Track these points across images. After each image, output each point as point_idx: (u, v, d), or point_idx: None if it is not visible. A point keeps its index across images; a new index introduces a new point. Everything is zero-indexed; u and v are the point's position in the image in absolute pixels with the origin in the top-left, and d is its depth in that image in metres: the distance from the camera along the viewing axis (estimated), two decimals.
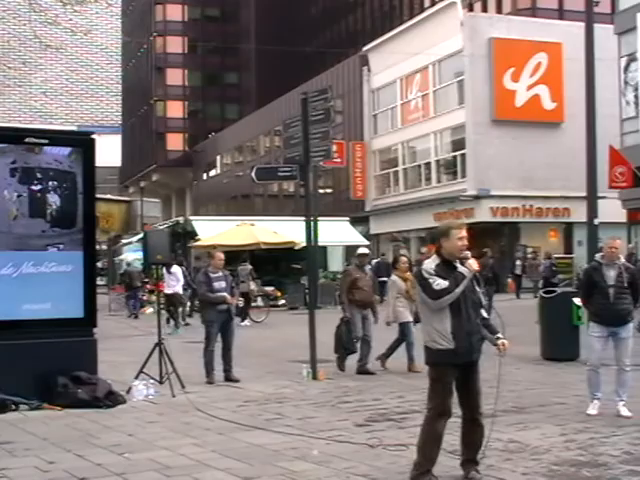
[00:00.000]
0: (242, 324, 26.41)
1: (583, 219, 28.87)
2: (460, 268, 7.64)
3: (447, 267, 7.64)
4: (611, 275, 10.82)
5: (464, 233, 7.73)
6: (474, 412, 7.84)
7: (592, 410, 10.81)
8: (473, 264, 7.65)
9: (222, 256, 14.82)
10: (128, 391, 12.53)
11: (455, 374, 7.66)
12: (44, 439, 9.76)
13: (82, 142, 12.97)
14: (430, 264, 7.69)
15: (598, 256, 11.19)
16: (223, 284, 14.47)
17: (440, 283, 7.48)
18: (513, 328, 11.43)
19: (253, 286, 29.75)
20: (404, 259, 16.24)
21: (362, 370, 15.08)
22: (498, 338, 7.80)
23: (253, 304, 30.39)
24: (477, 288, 7.80)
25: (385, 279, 41.86)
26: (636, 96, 35.75)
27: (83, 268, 12.54)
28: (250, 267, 29.70)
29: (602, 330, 10.94)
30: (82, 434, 10.06)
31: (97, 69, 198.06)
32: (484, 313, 7.86)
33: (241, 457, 8.73)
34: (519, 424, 10.21)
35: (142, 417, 11.12)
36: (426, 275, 7.61)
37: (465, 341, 7.57)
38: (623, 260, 11.10)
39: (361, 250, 16.48)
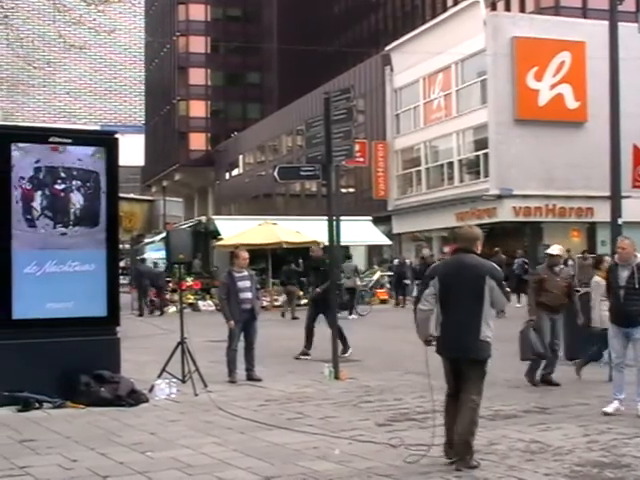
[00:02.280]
0: (350, 317, 28.62)
1: (606, 219, 28.75)
2: None
3: None
4: (623, 276, 10.78)
5: None
6: None
7: (608, 408, 10.78)
8: None
9: (246, 255, 14.77)
10: (150, 390, 12.57)
11: None
12: (67, 437, 9.80)
13: (105, 141, 13.01)
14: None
15: (615, 257, 11.16)
16: (247, 283, 14.45)
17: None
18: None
19: (359, 281, 31.87)
20: (608, 259, 14.52)
21: (546, 380, 13.53)
22: None
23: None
24: None
25: (408, 282, 42.14)
26: None
27: (106, 267, 12.59)
28: (355, 264, 32.52)
29: (617, 330, 10.94)
30: (104, 432, 10.10)
31: (120, 69, 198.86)
32: None
33: (262, 456, 8.74)
34: (541, 424, 10.18)
35: (164, 416, 11.15)
36: (503, 280, 8.41)
37: None
38: (639, 260, 10.99)
39: (552, 250, 14.71)
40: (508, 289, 8.51)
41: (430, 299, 8.43)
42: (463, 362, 8.40)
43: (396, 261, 38.97)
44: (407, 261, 38.91)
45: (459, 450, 8.16)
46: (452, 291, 8.31)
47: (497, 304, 8.44)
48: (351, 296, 29.93)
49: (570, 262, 39.54)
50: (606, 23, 28.21)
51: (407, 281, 36.52)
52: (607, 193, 27.78)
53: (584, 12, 58.05)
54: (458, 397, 8.38)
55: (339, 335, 15.94)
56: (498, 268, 8.48)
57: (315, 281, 19.04)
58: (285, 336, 22.46)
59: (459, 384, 8.42)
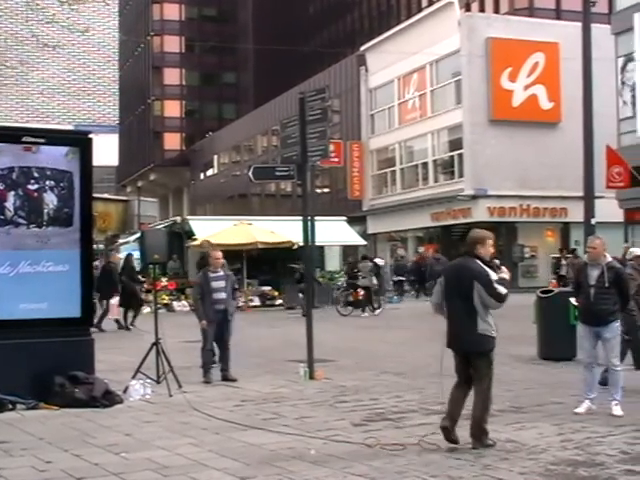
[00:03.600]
0: (363, 315, 30.41)
1: (580, 219, 28.90)
2: (502, 275, 9.09)
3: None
4: (593, 275, 10.85)
5: (492, 241, 9.23)
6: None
7: (580, 409, 10.85)
8: (508, 273, 9.30)
9: (218, 254, 14.76)
10: (125, 391, 12.52)
11: None
12: (41, 439, 9.75)
13: (79, 141, 12.95)
14: (493, 274, 8.95)
15: (585, 256, 11.22)
16: (222, 284, 14.42)
17: (502, 289, 8.88)
18: (511, 328, 11.48)
19: (375, 281, 32.50)
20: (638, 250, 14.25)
21: None
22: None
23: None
24: None
25: (403, 278, 42.35)
26: (633, 96, 35.77)
27: (80, 268, 12.53)
28: (371, 264, 33.18)
29: (587, 330, 11.01)
30: (79, 434, 10.05)
31: (94, 68, 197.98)
32: None
33: (238, 457, 8.72)
34: (516, 424, 10.22)
35: (139, 417, 11.12)
36: (493, 280, 8.89)
37: None
38: (610, 259, 11.06)
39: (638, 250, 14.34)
40: (504, 290, 8.75)
41: (437, 294, 9.42)
42: (468, 355, 9.13)
43: (380, 261, 39.03)
44: (381, 261, 39.01)
45: (474, 432, 8.96)
46: (451, 290, 9.17)
47: (487, 306, 8.98)
48: (368, 295, 31.24)
49: (563, 262, 40.05)
50: (579, 24, 28.37)
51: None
52: (581, 193, 27.94)
53: (558, 13, 58.34)
54: (463, 386, 9.16)
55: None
56: (485, 272, 8.93)
57: None
58: (261, 336, 22.44)
59: (469, 374, 9.16)
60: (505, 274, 9.15)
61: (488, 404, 9.10)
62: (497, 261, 9.19)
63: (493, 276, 8.93)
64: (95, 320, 24.99)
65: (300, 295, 31.93)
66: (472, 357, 9.11)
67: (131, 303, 26.19)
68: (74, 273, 12.47)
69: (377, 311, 31.02)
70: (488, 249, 9.11)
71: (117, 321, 25.82)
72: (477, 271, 8.96)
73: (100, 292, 24.99)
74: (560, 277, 40.84)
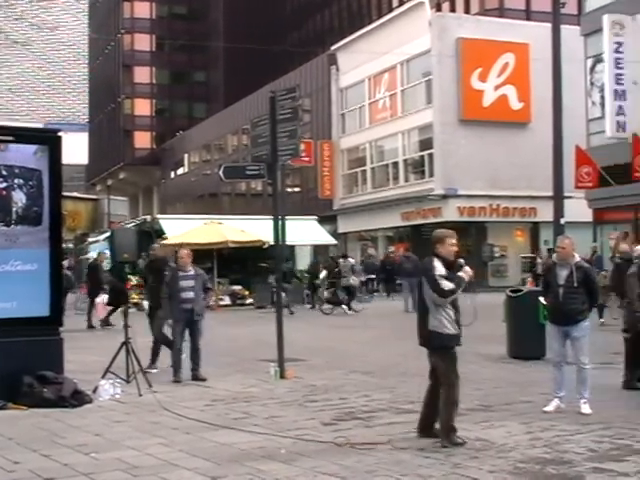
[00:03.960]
0: (349, 312, 30.82)
1: (550, 219, 29.07)
2: (460, 273, 9.19)
3: (446, 267, 9.19)
4: (562, 275, 10.92)
5: (455, 240, 9.39)
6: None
7: (549, 407, 10.91)
8: (469, 271, 9.29)
9: (184, 253, 14.69)
10: (95, 390, 12.46)
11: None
12: (9, 439, 9.69)
13: (48, 139, 12.88)
14: (441, 268, 9.12)
15: (554, 256, 11.28)
16: (191, 282, 14.38)
17: (446, 284, 9.02)
18: (481, 327, 11.50)
19: (355, 280, 33.30)
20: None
21: None
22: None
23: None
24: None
25: (373, 276, 42.57)
26: (602, 97, 35.98)
27: (49, 267, 12.46)
28: (351, 263, 34.22)
29: (556, 329, 11.09)
30: (48, 434, 10.00)
31: (64, 66, 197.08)
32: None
33: (209, 456, 8.71)
34: (485, 422, 10.27)
35: (109, 416, 11.07)
36: (437, 277, 9.06)
37: (460, 328, 9.28)
38: (578, 259, 11.13)
39: None
40: (450, 285, 8.85)
41: None
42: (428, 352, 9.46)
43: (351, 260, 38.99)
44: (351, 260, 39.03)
45: (442, 430, 9.12)
46: (415, 288, 9.76)
47: (434, 302, 9.15)
48: (349, 294, 31.85)
49: (539, 260, 40.17)
50: (549, 25, 28.52)
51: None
52: (550, 193, 28.10)
53: (528, 14, 58.65)
54: (433, 385, 9.43)
55: (154, 348, 15.26)
56: (430, 268, 9.14)
57: (155, 286, 15.66)
58: (231, 336, 22.41)
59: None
60: (465, 274, 9.22)
61: (452, 402, 9.18)
62: (462, 260, 9.30)
63: (438, 272, 9.08)
64: (87, 320, 25.63)
65: (283, 295, 32.19)
66: (428, 354, 9.40)
67: (120, 302, 26.15)
68: (43, 272, 12.40)
69: (359, 308, 31.53)
70: (448, 248, 9.28)
71: (103, 321, 25.84)
72: (425, 268, 9.28)
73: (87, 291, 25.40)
74: (536, 276, 41.11)
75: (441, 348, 9.23)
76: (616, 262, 23.83)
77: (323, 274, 34.51)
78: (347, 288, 32.11)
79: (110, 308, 25.95)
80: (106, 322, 25.74)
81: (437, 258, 9.23)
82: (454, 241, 9.36)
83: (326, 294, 32.76)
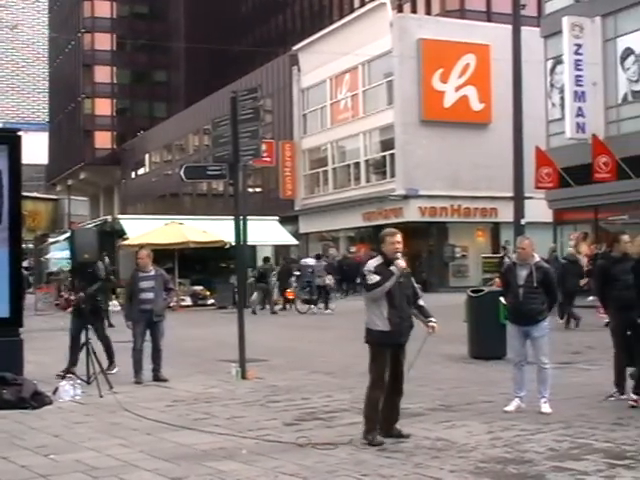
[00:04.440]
0: (327, 312, 31.66)
1: (510, 219, 29.26)
2: (391, 267, 9.20)
3: (387, 266, 9.22)
4: (522, 275, 11.00)
5: (398, 239, 9.39)
6: (400, 383, 9.43)
7: (509, 407, 10.97)
8: (400, 263, 9.22)
9: (143, 254, 14.61)
10: (55, 392, 12.37)
11: (389, 353, 9.23)
12: None
13: (8, 139, 12.79)
14: (373, 263, 9.29)
15: (514, 256, 11.35)
16: (151, 283, 14.31)
17: (373, 278, 9.13)
18: (442, 327, 11.49)
19: (331, 279, 33.87)
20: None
21: None
22: (430, 321, 9.52)
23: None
24: (413, 283, 9.58)
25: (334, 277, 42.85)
26: (562, 98, 36.22)
27: (9, 267, 12.36)
28: (325, 263, 35.00)
29: (516, 329, 11.16)
30: (7, 436, 9.91)
31: (23, 65, 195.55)
32: (421, 301, 9.59)
33: (169, 457, 8.67)
34: (446, 422, 10.30)
35: (69, 418, 11.00)
36: (366, 272, 9.24)
37: (397, 326, 9.17)
38: (538, 259, 11.22)
39: None
40: (375, 279, 9.26)
41: None
42: None
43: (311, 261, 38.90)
44: (312, 261, 38.97)
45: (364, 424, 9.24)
46: None
47: (364, 295, 9.43)
48: (324, 293, 32.77)
49: (506, 260, 40.20)
50: (510, 27, 28.72)
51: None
52: (511, 194, 28.29)
53: (488, 16, 58.95)
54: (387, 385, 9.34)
55: (107, 349, 15.12)
56: (363, 266, 9.41)
57: (81, 285, 15.27)
58: (192, 336, 22.35)
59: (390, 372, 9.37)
60: (396, 268, 9.17)
61: (370, 402, 9.23)
62: (398, 254, 9.33)
63: (368, 267, 9.24)
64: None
65: (254, 295, 32.66)
66: (403, 347, 9.43)
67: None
68: (3, 273, 12.29)
69: (328, 310, 32.01)
70: (388, 246, 9.34)
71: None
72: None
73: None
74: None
75: (370, 344, 9.32)
76: (562, 263, 24.29)
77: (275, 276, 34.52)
78: (323, 287, 32.74)
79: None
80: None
81: (381, 256, 9.36)
82: (396, 239, 9.38)
83: (302, 294, 33.41)
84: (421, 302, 9.61)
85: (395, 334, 9.19)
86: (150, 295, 14.25)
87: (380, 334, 9.19)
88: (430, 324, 9.46)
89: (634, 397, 11.11)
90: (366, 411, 9.24)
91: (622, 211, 34.70)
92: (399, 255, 9.30)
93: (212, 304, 35.20)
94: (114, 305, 33.48)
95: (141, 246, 19.87)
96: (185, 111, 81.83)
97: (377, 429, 9.16)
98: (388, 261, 9.25)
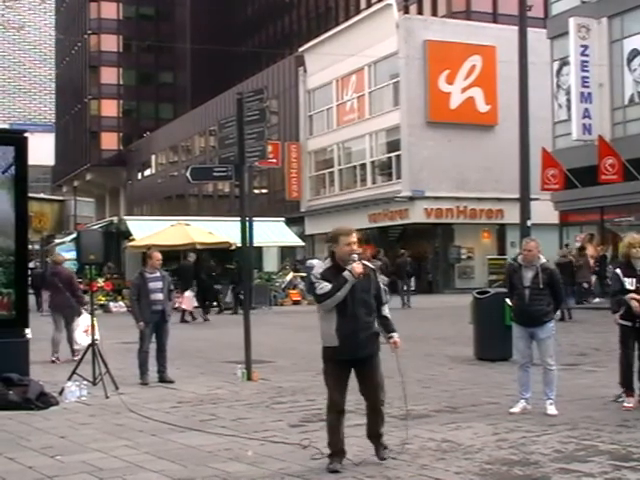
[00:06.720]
0: None
1: (516, 220, 29.17)
2: (345, 272, 7.92)
3: (337, 271, 7.98)
4: (528, 276, 10.98)
5: (353, 239, 8.08)
6: (374, 403, 8.30)
7: (515, 409, 10.95)
8: (356, 268, 7.93)
9: (159, 256, 14.64)
10: (61, 392, 12.38)
11: (345, 370, 8.12)
12: None
13: (14, 140, 12.79)
14: (319, 268, 8.14)
15: (519, 258, 11.33)
16: (159, 284, 14.33)
17: (323, 287, 7.87)
18: (448, 328, 11.54)
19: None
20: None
21: None
22: (391, 337, 8.26)
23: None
24: (379, 284, 8.28)
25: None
26: (568, 99, 36.23)
27: (15, 268, 12.37)
28: (315, 263, 33.38)
29: (522, 330, 11.14)
30: (13, 436, 9.92)
31: (30, 67, 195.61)
32: (385, 311, 8.27)
33: (175, 458, 8.67)
34: (452, 424, 10.28)
35: (75, 419, 11.00)
36: (313, 279, 8.01)
37: (349, 339, 7.94)
38: (543, 261, 11.21)
39: None
40: (325, 288, 7.82)
41: None
42: None
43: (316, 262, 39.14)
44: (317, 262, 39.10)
45: None
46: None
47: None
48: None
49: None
50: (516, 28, 28.62)
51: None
52: (517, 195, 28.20)
53: (494, 17, 58.97)
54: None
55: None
56: (312, 271, 8.23)
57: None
58: (197, 337, 22.35)
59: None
60: (352, 272, 7.89)
61: (326, 423, 8.37)
62: (355, 256, 8.03)
63: (314, 274, 8.02)
64: None
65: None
66: (368, 360, 8.25)
67: None
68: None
69: None
70: (343, 247, 8.03)
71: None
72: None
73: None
74: None
75: (323, 355, 8.26)
76: (556, 262, 24.69)
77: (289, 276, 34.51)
78: None
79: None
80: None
81: (331, 258, 8.13)
82: (351, 239, 8.07)
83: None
84: (386, 311, 8.28)
85: (346, 349, 7.94)
86: (160, 296, 14.26)
87: (328, 350, 8.10)
88: (392, 340, 8.24)
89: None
90: (327, 421, 8.34)
91: (628, 212, 34.70)
92: (355, 257, 8.01)
93: (217, 305, 35.17)
94: (120, 306, 33.64)
95: (148, 247, 19.97)
96: (191, 112, 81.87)
97: (340, 454, 8.16)
98: (338, 265, 8.00)
